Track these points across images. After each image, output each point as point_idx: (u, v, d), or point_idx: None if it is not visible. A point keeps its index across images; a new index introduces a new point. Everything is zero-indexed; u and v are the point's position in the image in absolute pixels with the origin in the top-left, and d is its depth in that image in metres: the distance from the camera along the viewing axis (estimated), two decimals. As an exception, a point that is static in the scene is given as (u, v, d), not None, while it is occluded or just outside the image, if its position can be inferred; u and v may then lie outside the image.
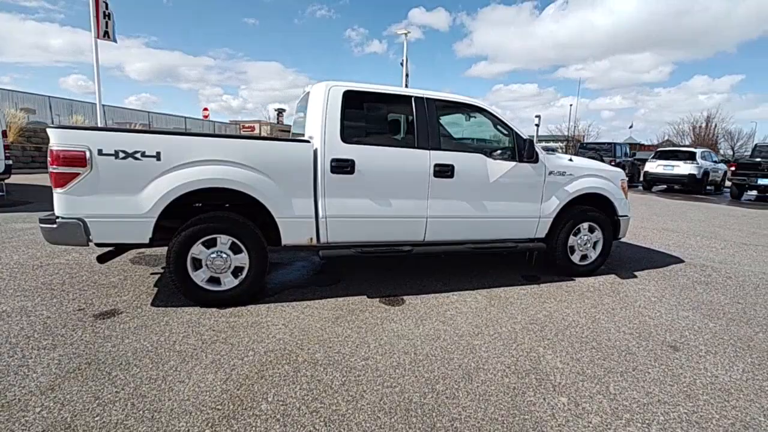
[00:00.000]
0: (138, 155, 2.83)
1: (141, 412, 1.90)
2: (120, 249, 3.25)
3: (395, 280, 3.90)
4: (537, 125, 34.84)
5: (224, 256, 3.11)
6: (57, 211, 2.80)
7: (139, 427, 1.81)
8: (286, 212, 3.17)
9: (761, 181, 12.21)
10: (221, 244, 3.09)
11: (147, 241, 2.95)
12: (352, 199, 3.33)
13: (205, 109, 30.85)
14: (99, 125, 16.63)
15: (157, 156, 2.86)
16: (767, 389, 2.29)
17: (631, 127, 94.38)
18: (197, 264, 3.08)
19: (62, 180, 2.74)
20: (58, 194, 2.78)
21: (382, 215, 3.42)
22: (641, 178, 16.54)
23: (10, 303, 3.05)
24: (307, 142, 3.22)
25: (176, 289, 3.09)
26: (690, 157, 14.45)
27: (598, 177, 4.19)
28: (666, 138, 52.47)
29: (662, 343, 2.81)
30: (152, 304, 3.13)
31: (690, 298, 3.72)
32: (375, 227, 3.43)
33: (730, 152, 44.20)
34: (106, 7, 16.61)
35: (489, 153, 3.73)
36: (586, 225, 4.17)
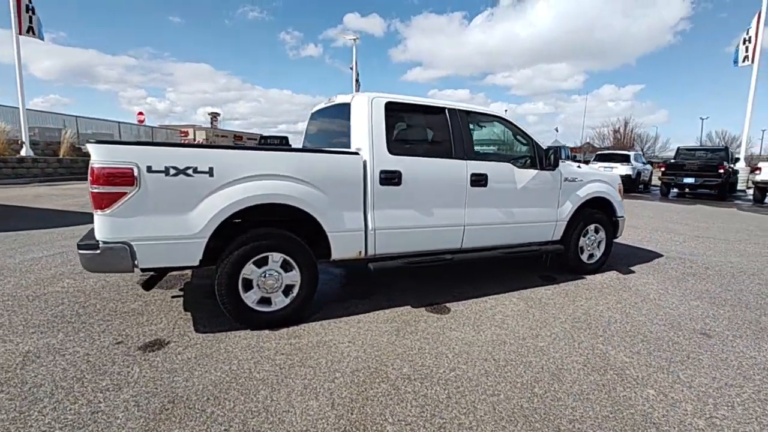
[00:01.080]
0: (190, 171, 2.63)
1: (268, 449, 1.78)
2: (161, 272, 2.98)
3: (429, 288, 3.94)
4: (472, 130, 36.95)
5: (276, 274, 2.97)
6: (99, 235, 2.52)
7: (277, 465, 1.70)
8: (337, 226, 3.10)
9: (686, 180, 13.87)
10: (273, 262, 2.95)
11: (197, 263, 2.74)
12: (399, 210, 3.33)
13: (140, 114, 28.65)
14: (23, 132, 14.84)
15: (210, 172, 2.68)
16: (796, 365, 2.66)
17: (557, 130, 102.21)
18: (248, 285, 2.91)
19: (106, 200, 2.47)
20: (100, 216, 2.49)
21: (425, 225, 3.46)
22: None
23: (30, 342, 2.67)
24: (356, 154, 3.18)
25: (226, 312, 2.89)
26: (625, 159, 16.04)
27: (602, 182, 4.56)
28: (587, 140, 57.84)
29: (694, 332, 3.13)
30: (197, 331, 2.90)
31: (689, 289, 4.17)
32: (418, 237, 3.46)
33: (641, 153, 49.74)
34: (29, 1, 14.97)
35: (514, 161, 3.92)
36: (592, 226, 4.51)
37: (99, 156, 2.45)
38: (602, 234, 4.61)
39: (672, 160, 14.96)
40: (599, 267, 4.65)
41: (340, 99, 3.66)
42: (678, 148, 15.87)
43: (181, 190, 2.63)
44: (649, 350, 2.81)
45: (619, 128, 48.06)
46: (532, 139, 4.07)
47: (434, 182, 3.46)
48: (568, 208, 4.26)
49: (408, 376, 2.41)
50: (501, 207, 3.83)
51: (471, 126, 3.77)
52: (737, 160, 16.34)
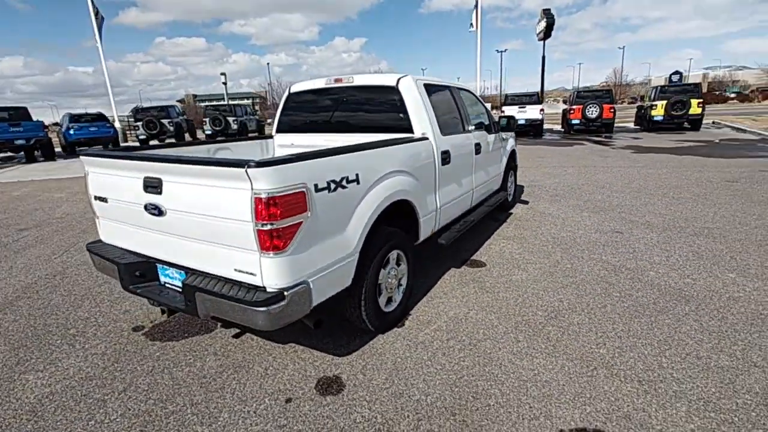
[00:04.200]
0: (344, 182, 2.28)
1: None
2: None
3: (441, 251, 4.40)
4: (224, 83, 35.20)
5: (395, 272, 2.92)
6: (278, 281, 1.97)
7: None
8: (425, 210, 3.21)
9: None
10: (392, 260, 2.88)
11: (350, 283, 2.46)
12: (448, 186, 3.63)
13: None
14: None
15: (357, 179, 2.38)
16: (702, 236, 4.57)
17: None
18: (379, 289, 2.78)
19: (285, 237, 1.94)
20: (278, 259, 1.94)
21: (459, 195, 3.87)
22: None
23: (180, 453, 1.90)
24: (426, 139, 3.25)
25: (369, 324, 2.71)
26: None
27: (512, 138, 5.83)
28: None
29: (612, 232, 4.79)
30: (340, 355, 2.63)
31: (568, 205, 6.04)
32: (456, 207, 3.86)
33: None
34: None
35: (484, 128, 4.64)
36: (510, 172, 5.80)
37: (271, 181, 1.86)
38: (513, 177, 5.99)
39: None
40: (514, 203, 6.08)
41: (368, 80, 3.48)
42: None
43: (339, 205, 2.26)
44: (629, 253, 4.22)
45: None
46: (486, 108, 4.86)
47: (463, 156, 3.87)
48: (504, 161, 5.37)
49: (557, 319, 3.01)
50: (485, 168, 4.57)
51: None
52: (480, 104, 21.67)
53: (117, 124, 22.26)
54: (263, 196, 1.86)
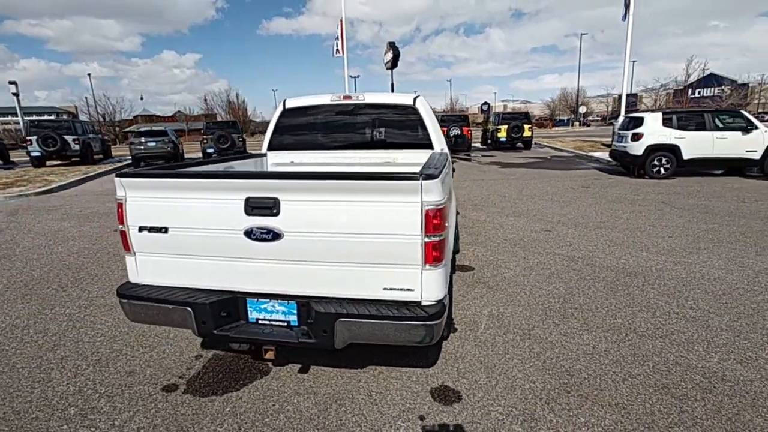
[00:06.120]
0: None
1: None
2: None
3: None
4: (16, 94, 29.54)
5: (448, 279, 3.07)
6: (437, 295, 2.01)
7: None
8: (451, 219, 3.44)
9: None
10: (447, 268, 3.03)
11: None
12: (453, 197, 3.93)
13: None
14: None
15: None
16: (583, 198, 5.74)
17: (141, 99, 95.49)
18: (444, 297, 2.90)
19: (442, 248, 1.97)
20: (436, 271, 1.96)
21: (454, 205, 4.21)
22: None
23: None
24: (445, 153, 3.49)
25: (445, 332, 2.78)
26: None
27: (448, 154, 6.46)
28: (177, 110, 61.46)
29: (542, 231, 5.77)
30: (428, 366, 2.65)
31: (491, 212, 6.96)
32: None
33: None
34: None
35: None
36: (449, 186, 6.42)
37: (437, 194, 1.88)
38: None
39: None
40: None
41: (381, 98, 3.57)
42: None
43: (448, 216, 2.35)
44: (568, 245, 5.14)
45: (229, 99, 52.15)
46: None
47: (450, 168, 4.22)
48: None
49: (569, 303, 3.55)
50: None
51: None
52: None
53: None
54: (432, 208, 1.87)
